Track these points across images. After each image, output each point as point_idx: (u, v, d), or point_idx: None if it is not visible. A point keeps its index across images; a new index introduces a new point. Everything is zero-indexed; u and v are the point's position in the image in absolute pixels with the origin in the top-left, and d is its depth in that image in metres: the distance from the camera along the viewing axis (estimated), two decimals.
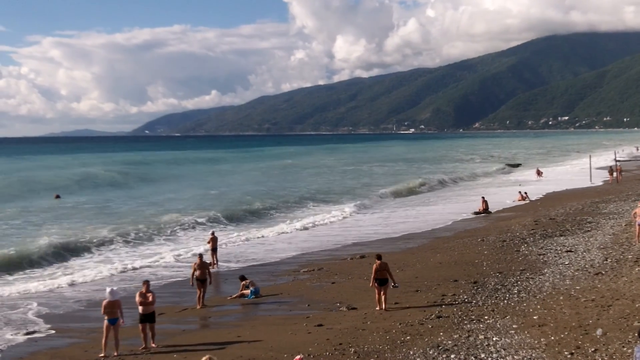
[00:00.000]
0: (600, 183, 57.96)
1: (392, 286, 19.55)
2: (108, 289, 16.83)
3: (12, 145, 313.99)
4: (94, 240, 33.61)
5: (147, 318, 16.73)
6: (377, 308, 18.90)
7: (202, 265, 21.42)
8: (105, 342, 16.25)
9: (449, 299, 19.26)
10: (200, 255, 22.22)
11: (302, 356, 11.95)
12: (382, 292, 18.89)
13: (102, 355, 16.09)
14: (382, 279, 18.88)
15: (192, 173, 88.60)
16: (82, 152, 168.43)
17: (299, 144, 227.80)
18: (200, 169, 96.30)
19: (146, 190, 63.40)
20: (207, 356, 10.96)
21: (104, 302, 16.49)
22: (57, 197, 57.23)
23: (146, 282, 17.35)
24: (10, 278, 26.56)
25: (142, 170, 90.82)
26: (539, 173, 70.47)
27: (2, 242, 32.52)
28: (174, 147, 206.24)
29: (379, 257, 19.40)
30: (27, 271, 28.11)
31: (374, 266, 19.14)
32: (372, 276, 19.07)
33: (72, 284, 25.16)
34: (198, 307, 20.92)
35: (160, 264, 28.71)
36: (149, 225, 38.19)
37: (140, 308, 16.77)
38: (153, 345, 16.65)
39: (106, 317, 16.31)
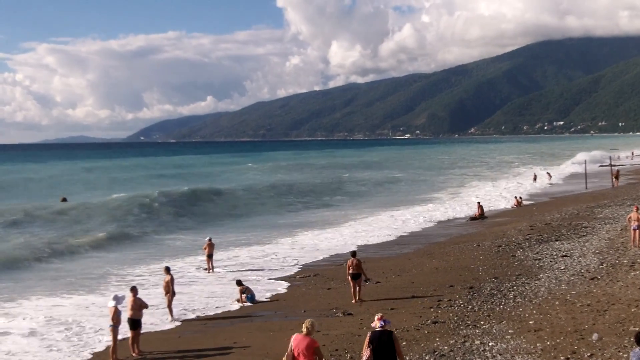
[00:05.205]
0: (597, 188, 57.97)
1: (364, 281, 21.36)
2: (113, 296, 16.75)
3: (11, 151, 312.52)
4: None
5: (129, 324, 16.63)
6: (353, 301, 20.61)
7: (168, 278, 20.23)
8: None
9: (445, 305, 19.24)
10: (166, 268, 20.83)
11: (381, 316, 11.10)
12: (356, 286, 20.81)
13: None
14: (355, 274, 20.81)
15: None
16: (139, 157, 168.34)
17: (315, 149, 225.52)
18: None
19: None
20: (309, 320, 10.87)
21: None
22: (64, 200, 57.43)
23: (133, 289, 17.21)
24: None
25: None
26: (535, 178, 70.61)
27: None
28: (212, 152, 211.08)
29: (353, 254, 21.40)
30: None
31: (348, 262, 21.11)
32: (347, 271, 21.07)
33: None
34: (169, 318, 19.98)
35: None
36: None
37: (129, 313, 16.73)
38: (133, 354, 16.55)
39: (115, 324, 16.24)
